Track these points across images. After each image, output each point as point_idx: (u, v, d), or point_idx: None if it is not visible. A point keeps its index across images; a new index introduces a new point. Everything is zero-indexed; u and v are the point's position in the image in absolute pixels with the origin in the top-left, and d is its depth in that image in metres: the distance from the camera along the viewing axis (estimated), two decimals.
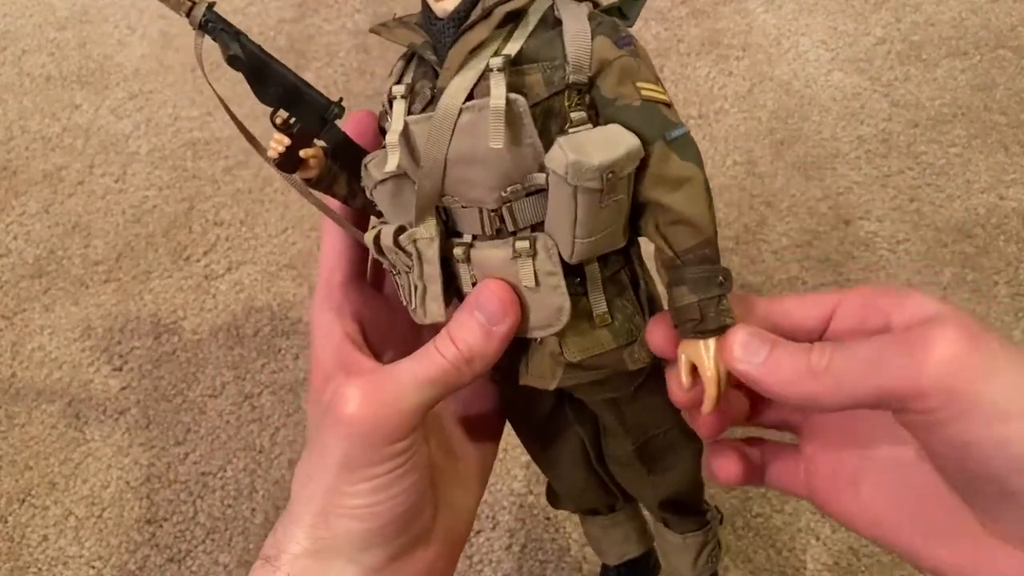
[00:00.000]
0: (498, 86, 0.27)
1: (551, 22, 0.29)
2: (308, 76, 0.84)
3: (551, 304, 0.30)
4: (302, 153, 0.31)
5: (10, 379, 0.63)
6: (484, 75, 0.27)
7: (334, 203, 0.33)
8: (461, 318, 0.30)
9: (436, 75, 0.29)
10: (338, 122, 0.32)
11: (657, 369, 0.33)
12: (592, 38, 0.28)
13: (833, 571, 0.54)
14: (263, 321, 0.66)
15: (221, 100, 0.31)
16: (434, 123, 0.28)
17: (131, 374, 0.63)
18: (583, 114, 0.28)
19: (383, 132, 0.33)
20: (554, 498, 0.42)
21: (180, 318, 0.66)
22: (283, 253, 0.69)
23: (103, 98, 0.79)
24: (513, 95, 0.27)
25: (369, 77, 0.79)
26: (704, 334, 0.29)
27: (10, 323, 0.66)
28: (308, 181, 0.32)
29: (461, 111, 0.27)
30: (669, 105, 0.30)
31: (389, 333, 0.35)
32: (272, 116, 0.31)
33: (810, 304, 0.30)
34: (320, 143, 0.32)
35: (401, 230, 0.30)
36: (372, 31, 0.31)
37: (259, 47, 0.29)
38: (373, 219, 0.33)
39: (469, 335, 0.30)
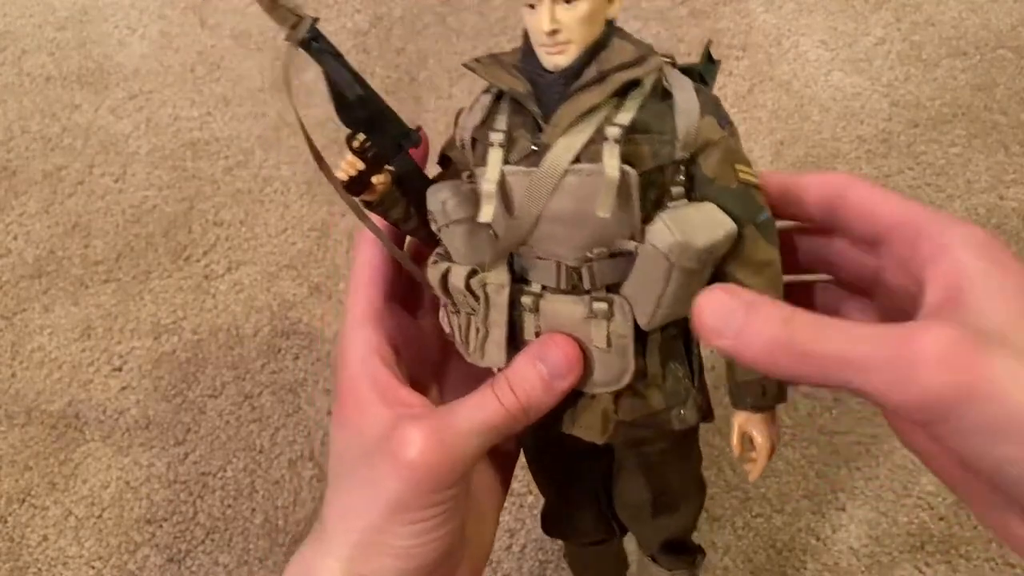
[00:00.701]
0: (613, 156, 0.27)
1: (660, 93, 0.29)
2: (308, 76, 0.84)
3: (616, 365, 0.30)
4: (373, 179, 0.31)
5: (10, 379, 0.63)
6: (594, 139, 0.27)
7: (381, 223, 0.33)
8: (523, 368, 0.30)
9: (538, 127, 0.29)
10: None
11: (693, 430, 0.34)
12: (700, 116, 0.29)
13: (833, 571, 0.54)
14: (263, 321, 0.66)
15: (299, 119, 0.31)
16: (536, 179, 0.28)
17: (131, 374, 0.63)
18: (682, 189, 0.29)
19: (444, 162, 0.33)
20: (552, 528, 0.42)
21: (180, 318, 0.66)
22: (283, 253, 0.69)
23: (103, 98, 0.79)
24: (626, 167, 0.27)
25: (369, 77, 0.79)
26: (761, 409, 0.31)
27: (10, 323, 0.66)
28: (367, 203, 0.32)
29: (567, 171, 0.27)
30: (759, 188, 0.30)
31: (418, 359, 0.34)
32: (349, 138, 0.31)
33: (874, 209, 0.29)
34: (389, 168, 0.31)
35: (472, 273, 0.30)
36: (467, 67, 0.31)
37: (353, 69, 0.29)
38: (434, 255, 0.32)
39: (530, 386, 0.30)
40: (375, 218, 0.33)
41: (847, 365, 0.23)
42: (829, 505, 0.57)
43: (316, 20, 0.28)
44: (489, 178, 0.28)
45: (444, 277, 0.31)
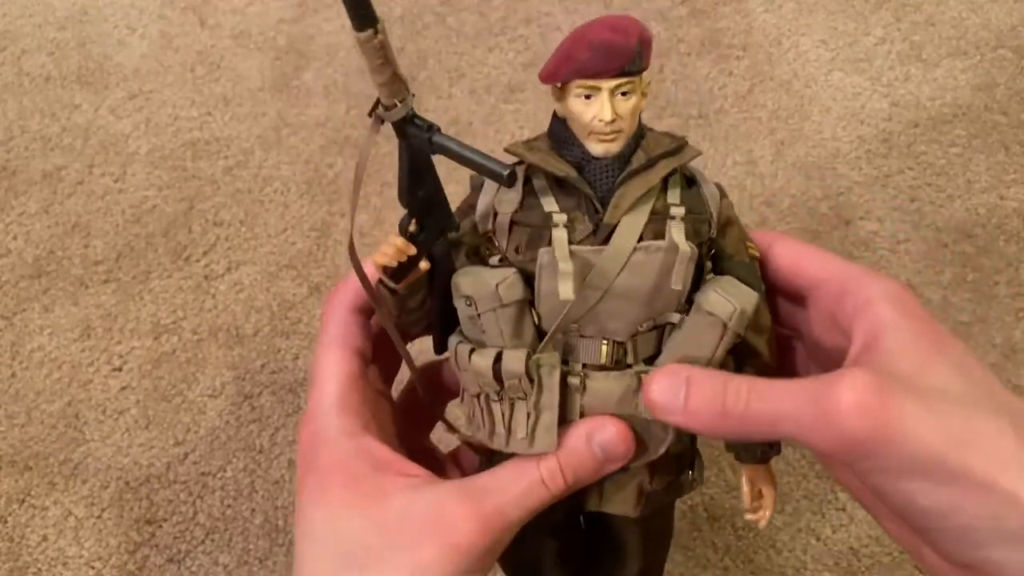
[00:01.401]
0: (680, 233, 0.30)
1: (686, 178, 0.32)
2: (308, 76, 0.84)
3: (658, 436, 0.32)
4: (421, 265, 0.31)
5: (9, 379, 0.63)
6: (652, 219, 0.30)
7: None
8: (577, 450, 0.30)
9: (595, 209, 0.31)
10: None
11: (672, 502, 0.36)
12: (720, 198, 0.33)
13: (833, 571, 0.54)
14: (263, 321, 0.66)
15: (351, 241, 0.30)
16: (606, 257, 0.30)
17: (130, 374, 0.63)
18: (710, 264, 0.32)
19: (453, 246, 0.33)
20: None
21: (180, 318, 0.66)
22: (283, 253, 0.69)
23: (103, 98, 0.79)
24: (689, 243, 0.30)
25: (369, 77, 0.79)
26: (766, 460, 0.34)
27: (9, 323, 0.66)
28: (392, 291, 0.31)
29: (635, 249, 0.30)
30: (759, 260, 0.34)
31: (384, 424, 0.34)
32: (405, 222, 0.30)
33: (798, 265, 0.33)
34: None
35: (527, 356, 0.30)
36: (508, 151, 0.32)
37: (459, 144, 0.29)
38: (459, 343, 0.32)
39: (582, 468, 0.30)
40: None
41: (780, 419, 0.27)
42: (829, 505, 0.57)
43: (414, 96, 0.28)
44: (562, 256, 0.29)
45: (496, 363, 0.30)
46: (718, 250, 0.32)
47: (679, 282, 0.30)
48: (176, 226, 0.71)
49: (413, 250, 0.30)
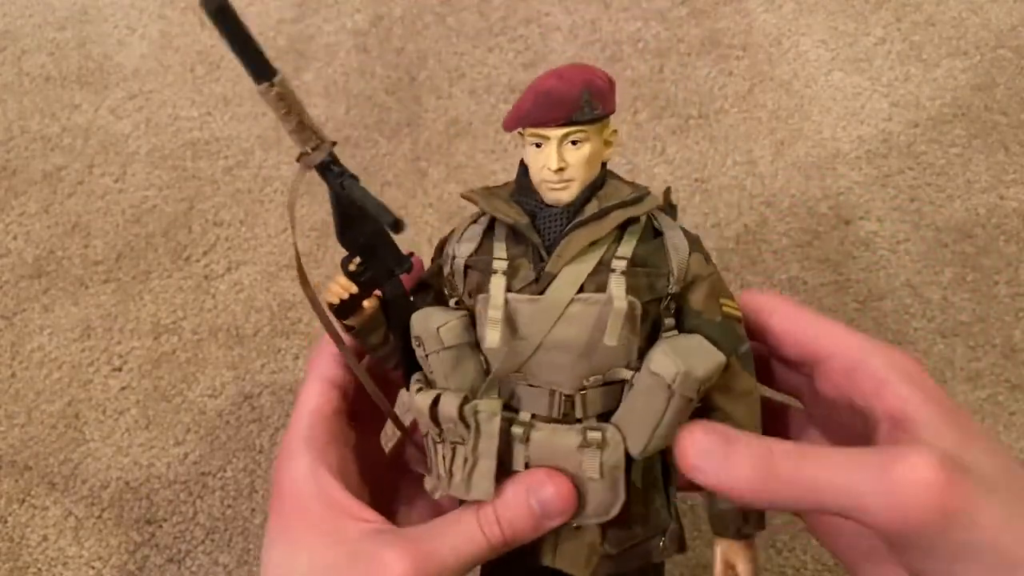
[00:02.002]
0: (619, 287, 0.29)
1: (652, 230, 0.31)
2: (308, 76, 0.84)
3: (607, 497, 0.30)
4: (364, 303, 0.31)
5: (9, 379, 0.63)
6: (596, 270, 0.29)
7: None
8: (514, 503, 0.29)
9: (540, 257, 0.30)
10: None
11: (660, 565, 0.34)
12: (689, 253, 0.31)
13: (833, 572, 0.54)
14: (263, 321, 0.66)
15: (295, 245, 0.32)
16: (541, 307, 0.29)
17: (130, 374, 0.63)
18: (673, 321, 0.31)
19: (423, 288, 0.33)
20: None
21: (180, 318, 0.66)
22: (283, 253, 0.69)
23: (103, 98, 0.79)
24: (631, 298, 0.29)
25: (369, 77, 0.79)
26: (745, 536, 0.31)
27: (9, 323, 0.66)
28: (347, 328, 0.32)
29: (572, 300, 0.29)
30: (740, 320, 0.32)
31: (371, 480, 0.34)
32: (346, 261, 0.31)
33: (800, 336, 0.31)
34: (377, 293, 0.32)
35: (465, 400, 0.30)
36: (465, 197, 0.32)
37: (363, 192, 0.29)
38: (416, 382, 0.32)
39: (519, 521, 0.29)
40: (346, 339, 0.33)
41: (834, 489, 0.25)
42: None
43: (334, 144, 0.29)
44: (495, 304, 0.29)
45: (434, 404, 0.30)
46: (684, 307, 0.31)
47: (612, 338, 0.28)
48: (176, 226, 0.71)
49: (354, 288, 0.31)
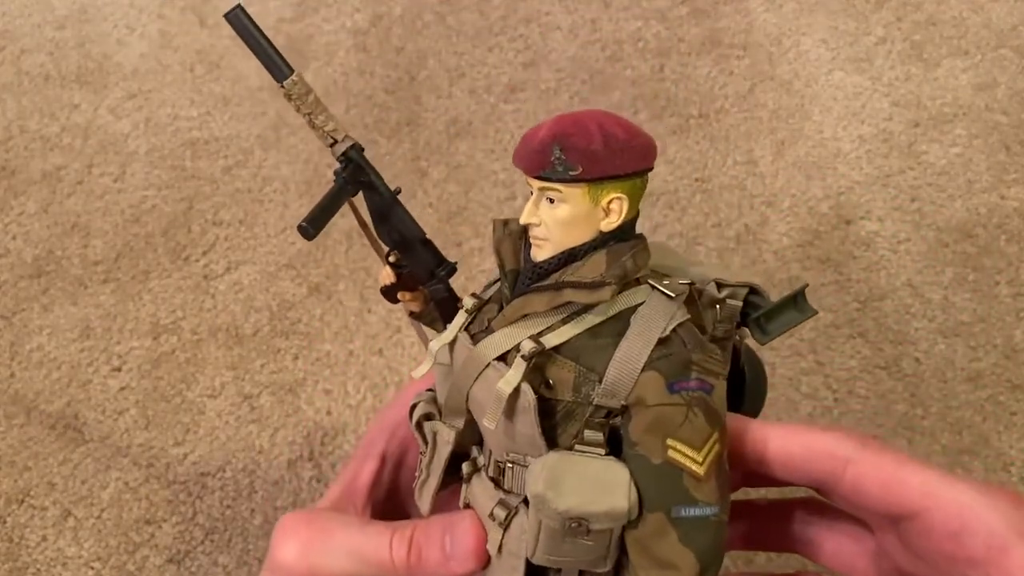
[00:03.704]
0: (516, 372, 0.25)
1: (624, 323, 0.26)
2: (308, 76, 0.84)
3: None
4: (400, 295, 0.35)
5: (9, 379, 0.63)
6: (529, 341, 0.26)
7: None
8: (432, 533, 0.28)
9: (500, 308, 0.28)
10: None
11: None
12: (642, 370, 0.25)
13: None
14: (262, 321, 0.65)
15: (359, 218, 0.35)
16: (467, 360, 0.27)
17: (130, 374, 0.63)
18: (599, 436, 0.26)
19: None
20: None
21: (179, 318, 0.66)
22: (282, 253, 0.69)
23: (102, 98, 0.79)
24: (526, 387, 0.25)
25: (369, 77, 0.79)
26: None
27: (9, 323, 0.66)
28: (412, 313, 0.35)
29: (488, 364, 0.26)
30: (700, 479, 0.25)
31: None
32: (387, 253, 0.34)
33: (896, 489, 0.26)
34: (422, 288, 0.35)
35: (428, 416, 0.30)
36: (493, 223, 0.30)
37: (392, 193, 0.32)
38: (419, 391, 0.32)
39: (429, 553, 0.28)
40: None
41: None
42: None
43: (351, 142, 0.32)
44: (442, 337, 0.28)
45: (413, 407, 0.31)
46: (623, 430, 0.26)
47: (490, 420, 0.25)
48: (175, 226, 0.71)
49: (393, 277, 0.34)
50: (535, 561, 0.27)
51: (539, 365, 0.26)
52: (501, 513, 0.27)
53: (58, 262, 0.69)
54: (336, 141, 0.31)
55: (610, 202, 0.26)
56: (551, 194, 0.26)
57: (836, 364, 0.61)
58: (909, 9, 0.81)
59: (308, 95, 0.30)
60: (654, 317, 0.26)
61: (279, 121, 0.76)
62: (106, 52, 0.82)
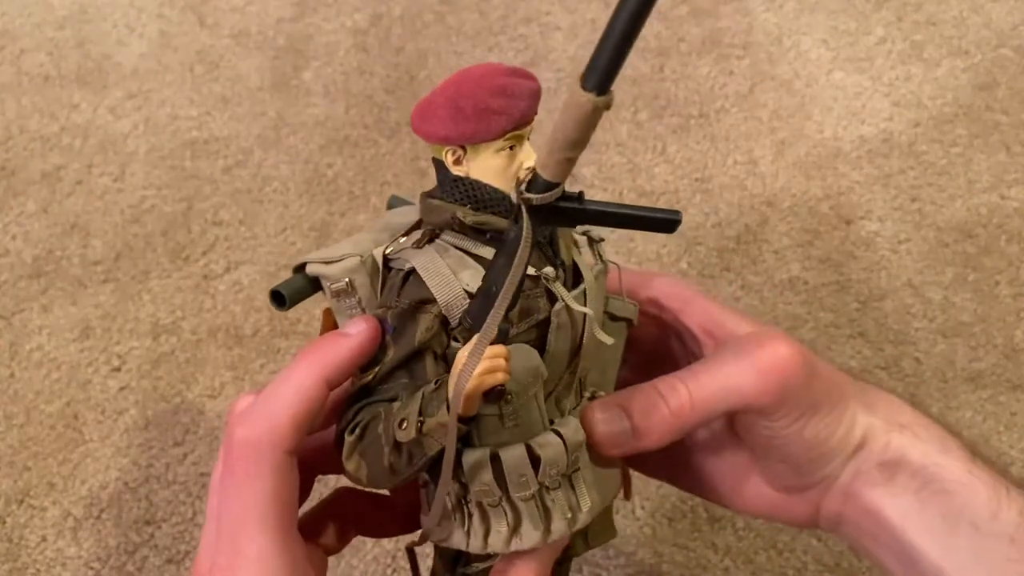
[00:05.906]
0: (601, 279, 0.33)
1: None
2: (307, 75, 0.84)
3: None
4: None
5: (8, 379, 0.63)
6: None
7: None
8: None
9: (554, 255, 0.31)
10: None
11: None
12: None
13: (834, 572, 0.54)
14: (262, 321, 0.65)
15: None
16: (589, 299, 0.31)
17: (129, 374, 0.63)
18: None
19: (416, 355, 0.29)
20: None
21: (179, 318, 0.66)
22: (282, 253, 0.69)
23: (102, 98, 0.78)
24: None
25: (368, 76, 0.79)
26: None
27: (8, 323, 0.66)
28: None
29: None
30: None
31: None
32: (476, 329, 0.27)
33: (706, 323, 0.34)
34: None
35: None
36: (466, 221, 0.29)
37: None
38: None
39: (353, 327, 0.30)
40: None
41: (725, 393, 0.29)
42: None
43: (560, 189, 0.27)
44: (581, 303, 0.30)
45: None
46: None
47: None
48: (175, 226, 0.71)
49: (505, 351, 0.27)
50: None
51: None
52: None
53: (57, 262, 0.69)
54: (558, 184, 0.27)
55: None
56: (525, 131, 0.29)
57: (836, 364, 0.61)
58: (909, 9, 0.81)
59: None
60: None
61: (279, 121, 0.76)
62: (106, 52, 0.82)
